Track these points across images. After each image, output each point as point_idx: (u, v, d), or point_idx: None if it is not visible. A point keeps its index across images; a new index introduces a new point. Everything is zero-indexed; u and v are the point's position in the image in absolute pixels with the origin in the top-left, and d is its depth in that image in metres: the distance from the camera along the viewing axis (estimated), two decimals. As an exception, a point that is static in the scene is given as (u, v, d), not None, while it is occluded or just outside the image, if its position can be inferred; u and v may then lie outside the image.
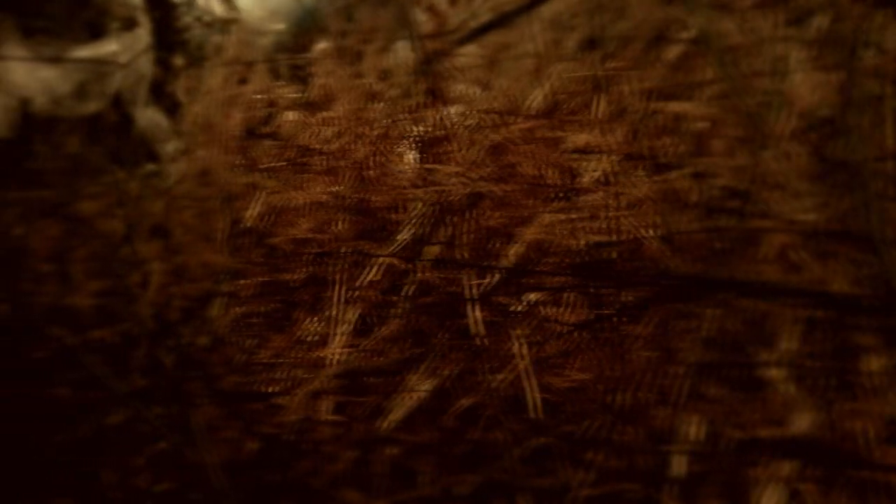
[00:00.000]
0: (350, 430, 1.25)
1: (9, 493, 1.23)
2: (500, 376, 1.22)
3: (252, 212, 1.66)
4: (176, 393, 1.24)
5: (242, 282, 1.53)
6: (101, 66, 2.79)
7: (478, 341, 1.27)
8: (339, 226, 1.51)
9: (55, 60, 2.78)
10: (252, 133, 1.82)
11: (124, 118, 2.84)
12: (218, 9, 2.95)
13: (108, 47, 2.76)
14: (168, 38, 2.88)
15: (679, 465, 1.14)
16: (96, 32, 2.74)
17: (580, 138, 1.27)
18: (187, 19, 2.97)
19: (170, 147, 2.91)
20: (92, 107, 2.86)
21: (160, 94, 2.83)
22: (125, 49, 2.76)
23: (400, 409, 1.25)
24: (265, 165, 1.81)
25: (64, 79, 2.80)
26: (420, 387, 1.26)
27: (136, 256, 1.58)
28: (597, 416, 1.20)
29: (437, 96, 1.60)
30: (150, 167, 2.91)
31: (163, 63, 2.85)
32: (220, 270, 1.56)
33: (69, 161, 2.79)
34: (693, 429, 1.14)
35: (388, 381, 1.32)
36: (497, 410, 1.25)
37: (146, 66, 2.83)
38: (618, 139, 1.20)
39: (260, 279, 1.57)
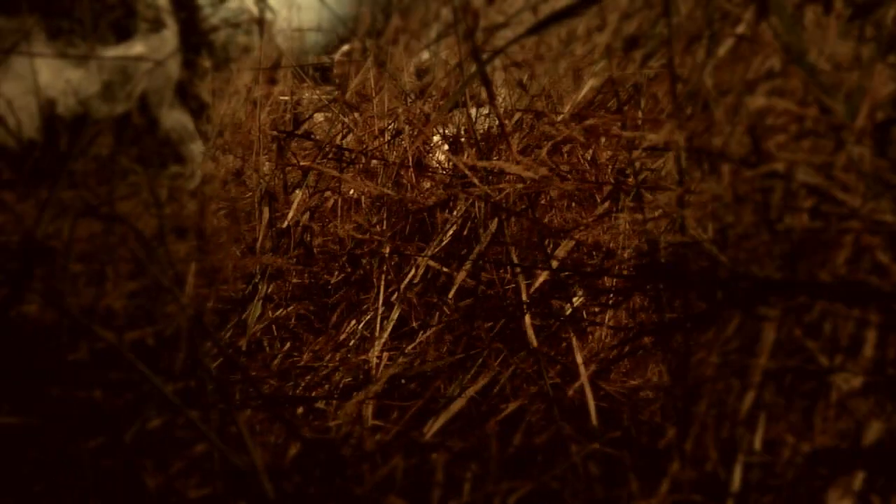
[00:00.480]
0: (394, 435, 1.21)
1: (46, 499, 1.20)
2: (551, 381, 1.18)
3: (289, 212, 1.63)
4: (216, 396, 1.20)
5: (280, 283, 1.50)
6: (128, 68, 2.78)
7: (529, 345, 1.23)
8: (380, 226, 1.47)
9: (82, 61, 2.78)
10: (284, 133, 1.80)
11: (150, 120, 2.83)
12: (246, 10, 2.93)
13: (135, 48, 2.74)
14: (194, 39, 2.86)
15: (743, 478, 1.09)
16: (123, 34, 2.73)
17: (641, 134, 1.23)
18: (214, 20, 2.95)
19: (196, 148, 2.90)
20: (118, 108, 2.85)
21: (186, 95, 2.81)
22: (152, 50, 2.75)
23: (445, 414, 1.22)
24: (301, 165, 1.78)
25: (90, 80, 2.79)
26: (465, 391, 1.22)
27: (169, 258, 1.56)
28: (657, 424, 1.15)
29: (476, 95, 1.57)
30: (176, 168, 2.90)
31: (189, 64, 2.84)
32: (257, 272, 1.53)
33: (96, 162, 2.79)
34: (758, 439, 1.09)
35: (433, 386, 1.28)
36: (545, 416, 1.20)
37: (173, 67, 2.81)
38: (683, 135, 1.16)
39: (297, 281, 1.53)
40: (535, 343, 1.20)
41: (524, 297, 1.21)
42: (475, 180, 1.28)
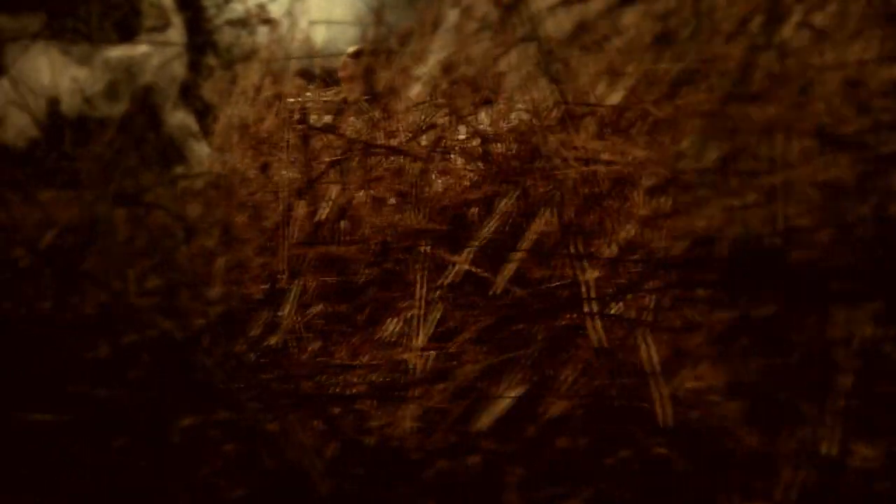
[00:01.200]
0: (434, 437, 1.19)
1: (73, 500, 1.19)
2: (616, 382, 1.15)
3: (312, 210, 1.62)
4: (250, 394, 1.19)
5: (309, 281, 1.48)
6: (133, 67, 2.77)
7: (583, 343, 1.21)
8: (414, 223, 1.46)
9: (86, 60, 2.76)
10: (311, 129, 1.79)
11: (154, 119, 2.81)
12: (249, 11, 2.93)
13: (139, 48, 2.73)
14: (199, 39, 2.86)
15: (816, 483, 1.06)
16: (127, 33, 2.72)
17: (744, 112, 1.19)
18: (217, 21, 2.95)
19: (200, 148, 2.89)
20: (122, 107, 2.84)
21: (190, 95, 2.80)
22: (156, 50, 2.74)
23: (487, 415, 1.20)
24: (319, 163, 1.77)
25: (94, 79, 2.78)
26: (508, 391, 1.20)
27: (193, 256, 1.54)
28: (729, 427, 1.12)
29: (499, 91, 1.57)
30: (181, 168, 2.89)
31: (193, 64, 2.83)
32: (283, 268, 1.52)
33: (99, 161, 2.77)
34: (835, 445, 1.06)
35: (475, 386, 1.26)
36: (600, 417, 1.18)
37: (177, 67, 2.81)
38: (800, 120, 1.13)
39: (326, 279, 1.52)
40: (604, 342, 1.17)
41: (591, 292, 1.18)
42: (573, 163, 1.25)
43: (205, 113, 2.76)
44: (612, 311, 1.21)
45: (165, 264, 1.35)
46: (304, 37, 2.65)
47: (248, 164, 2.37)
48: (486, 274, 1.34)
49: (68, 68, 2.83)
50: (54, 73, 2.85)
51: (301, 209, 1.47)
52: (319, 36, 2.55)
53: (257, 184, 1.81)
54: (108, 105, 2.82)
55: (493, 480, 1.15)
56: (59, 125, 2.75)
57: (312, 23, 2.55)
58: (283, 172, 1.74)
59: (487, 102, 1.51)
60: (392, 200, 1.54)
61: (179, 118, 2.80)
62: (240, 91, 2.56)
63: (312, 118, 2.76)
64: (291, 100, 2.63)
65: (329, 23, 2.43)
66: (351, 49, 3.13)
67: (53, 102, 2.84)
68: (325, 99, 2.65)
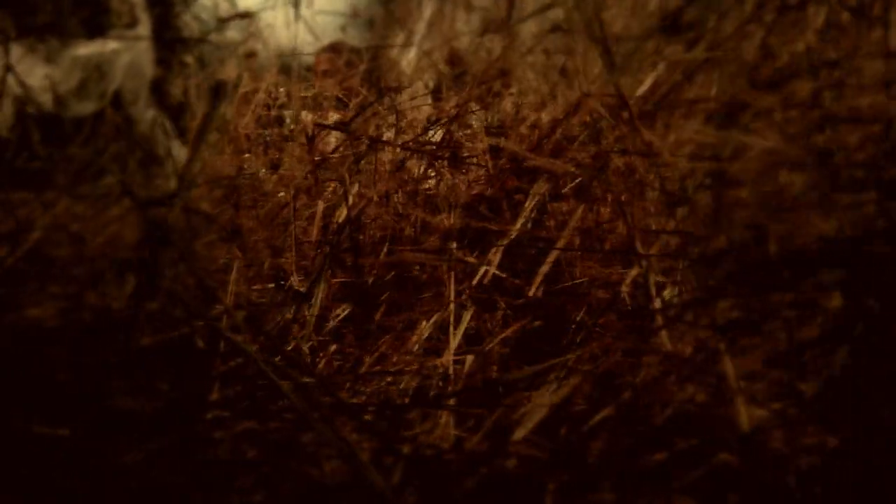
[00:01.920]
0: (472, 445, 1.16)
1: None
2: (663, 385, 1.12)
3: (325, 209, 1.59)
4: (280, 403, 1.15)
5: (332, 282, 1.45)
6: (102, 65, 2.71)
7: (634, 345, 1.18)
8: (437, 222, 1.43)
9: (54, 58, 2.70)
10: (319, 127, 1.77)
11: (126, 118, 2.76)
12: (221, 6, 2.88)
13: (109, 45, 2.68)
14: (170, 36, 2.80)
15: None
16: (96, 30, 2.66)
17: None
18: (187, 17, 2.90)
19: (174, 148, 2.85)
20: (92, 107, 2.78)
21: (162, 93, 2.75)
22: (126, 47, 2.69)
23: (527, 422, 1.17)
24: (325, 161, 1.75)
25: (63, 78, 2.72)
26: (548, 398, 1.18)
27: (204, 258, 1.52)
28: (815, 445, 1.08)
29: (506, 84, 1.56)
30: (154, 169, 2.84)
31: (164, 62, 2.78)
32: (292, 271, 1.49)
33: (70, 162, 2.72)
34: None
35: (512, 392, 1.24)
36: (643, 425, 1.16)
37: (147, 65, 2.76)
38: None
39: (344, 280, 1.49)
40: (668, 345, 1.13)
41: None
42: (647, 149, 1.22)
43: (177, 111, 2.71)
44: (685, 316, 1.18)
45: (178, 265, 1.33)
46: (285, 30, 2.62)
47: (228, 161, 2.35)
48: (505, 277, 1.33)
49: (35, 67, 2.77)
50: (22, 72, 2.78)
51: (319, 208, 1.44)
52: (300, 29, 2.53)
53: (266, 183, 1.78)
54: (77, 104, 2.77)
55: (533, 489, 1.13)
56: (27, 125, 2.69)
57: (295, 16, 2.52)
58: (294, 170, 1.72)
59: (497, 95, 1.51)
60: (400, 199, 1.52)
61: (151, 116, 2.75)
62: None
63: (287, 114, 2.74)
64: (263, 95, 2.61)
65: (318, 13, 2.41)
66: (325, 43, 3.11)
67: (20, 102, 2.77)
68: (302, 95, 2.63)
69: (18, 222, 1.91)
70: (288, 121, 2.60)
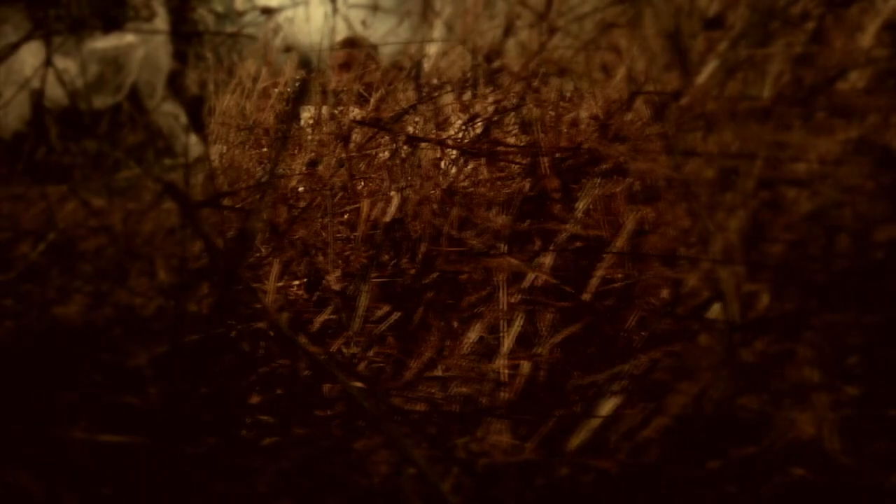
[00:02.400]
0: (526, 453, 1.14)
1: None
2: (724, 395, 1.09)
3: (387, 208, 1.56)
4: (327, 410, 1.13)
5: (371, 282, 1.42)
6: (119, 59, 2.71)
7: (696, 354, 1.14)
8: (491, 223, 1.40)
9: (69, 52, 2.69)
10: (356, 123, 1.76)
11: (141, 111, 2.76)
12: (239, 1, 2.88)
13: (125, 39, 2.67)
14: (186, 29, 2.80)
15: None
16: (112, 24, 2.65)
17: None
18: (203, 11, 2.89)
19: (189, 141, 2.85)
20: (108, 100, 2.78)
21: (178, 86, 2.75)
22: (142, 41, 2.68)
23: (582, 431, 1.15)
24: (359, 158, 1.74)
25: (80, 71, 2.71)
26: (605, 405, 1.16)
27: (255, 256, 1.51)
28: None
29: (545, 80, 1.53)
30: (168, 161, 2.84)
31: (180, 54, 2.78)
32: (331, 271, 1.47)
33: (85, 155, 2.72)
34: None
35: (568, 399, 1.21)
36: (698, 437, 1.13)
37: (163, 58, 2.75)
38: None
39: (386, 281, 1.46)
40: (742, 355, 1.10)
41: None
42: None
43: (194, 104, 2.71)
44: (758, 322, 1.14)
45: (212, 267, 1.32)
46: (304, 25, 2.62)
47: (247, 156, 2.34)
48: (557, 280, 1.30)
49: (54, 61, 2.76)
50: (37, 65, 2.77)
51: (364, 207, 1.42)
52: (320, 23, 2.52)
53: (304, 181, 1.76)
54: (94, 97, 2.76)
55: (588, 499, 1.11)
56: (43, 119, 2.69)
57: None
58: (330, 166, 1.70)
59: (536, 91, 1.49)
60: (437, 197, 1.50)
61: (167, 110, 2.75)
62: (236, 82, 2.52)
63: (304, 110, 2.73)
64: (278, 90, 2.60)
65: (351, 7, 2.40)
66: (341, 37, 3.11)
67: (37, 95, 2.77)
68: (321, 90, 2.62)
69: (42, 216, 1.90)
70: (307, 115, 2.59)
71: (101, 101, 2.75)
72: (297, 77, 2.66)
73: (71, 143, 2.80)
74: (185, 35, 2.79)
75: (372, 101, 2.33)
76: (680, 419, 1.10)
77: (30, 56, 2.67)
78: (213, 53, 2.74)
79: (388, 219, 1.41)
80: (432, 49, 2.36)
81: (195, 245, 1.26)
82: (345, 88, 2.60)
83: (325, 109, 2.52)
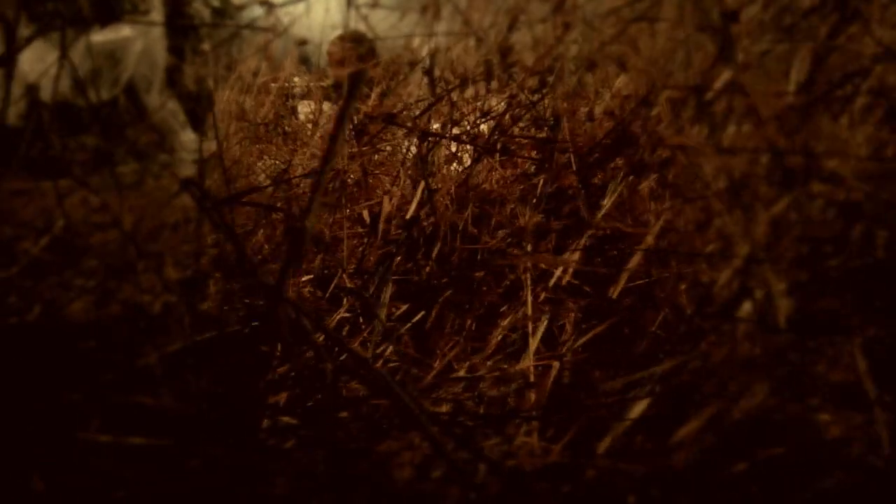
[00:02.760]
0: (554, 458, 1.11)
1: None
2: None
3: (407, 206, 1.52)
4: (351, 413, 1.10)
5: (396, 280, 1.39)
6: (115, 52, 2.68)
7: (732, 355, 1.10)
8: (517, 217, 1.37)
9: (65, 46, 2.66)
10: (369, 119, 1.74)
11: (139, 107, 2.73)
12: (234, -6, 2.85)
13: (121, 32, 2.64)
14: (184, 23, 2.77)
15: None
16: (108, 17, 2.62)
17: None
18: (199, 4, 2.86)
19: (186, 137, 2.82)
20: (104, 94, 2.75)
21: (175, 82, 2.72)
22: (138, 34, 2.65)
23: (611, 434, 1.12)
24: (368, 153, 1.72)
25: (76, 65, 2.68)
26: (635, 407, 1.13)
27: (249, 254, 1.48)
28: None
29: (559, 75, 1.51)
30: (165, 157, 2.82)
31: (176, 49, 2.74)
32: (344, 267, 1.45)
33: (81, 150, 2.69)
34: None
35: (597, 400, 1.18)
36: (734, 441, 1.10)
37: (160, 53, 2.72)
38: None
39: (404, 279, 1.43)
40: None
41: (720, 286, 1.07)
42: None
43: (189, 99, 2.68)
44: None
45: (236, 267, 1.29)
46: (304, 19, 2.60)
47: (246, 152, 2.32)
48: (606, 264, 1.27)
49: (48, 54, 2.73)
50: (33, 59, 2.74)
51: (385, 204, 1.39)
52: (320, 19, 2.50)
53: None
54: (90, 91, 2.73)
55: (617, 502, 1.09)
56: (38, 113, 2.66)
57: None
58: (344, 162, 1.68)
59: (550, 86, 1.47)
60: (453, 193, 1.47)
61: (164, 105, 2.72)
62: (236, 77, 2.50)
63: (301, 105, 2.71)
64: (275, 85, 2.59)
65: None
66: (337, 33, 3.08)
67: (33, 89, 2.74)
68: (315, 84, 2.60)
69: (41, 212, 1.88)
70: (307, 109, 2.57)
71: (96, 96, 2.72)
72: (293, 73, 2.64)
73: (68, 138, 2.77)
74: (181, 29, 2.76)
75: (373, 95, 2.32)
76: (712, 421, 1.08)
77: (24, 50, 2.64)
78: (211, 48, 2.72)
79: (408, 215, 1.39)
80: (437, 44, 2.35)
81: (209, 241, 1.24)
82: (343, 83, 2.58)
83: (326, 105, 2.50)
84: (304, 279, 1.53)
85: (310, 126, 2.49)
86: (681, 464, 1.06)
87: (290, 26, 2.67)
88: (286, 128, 2.38)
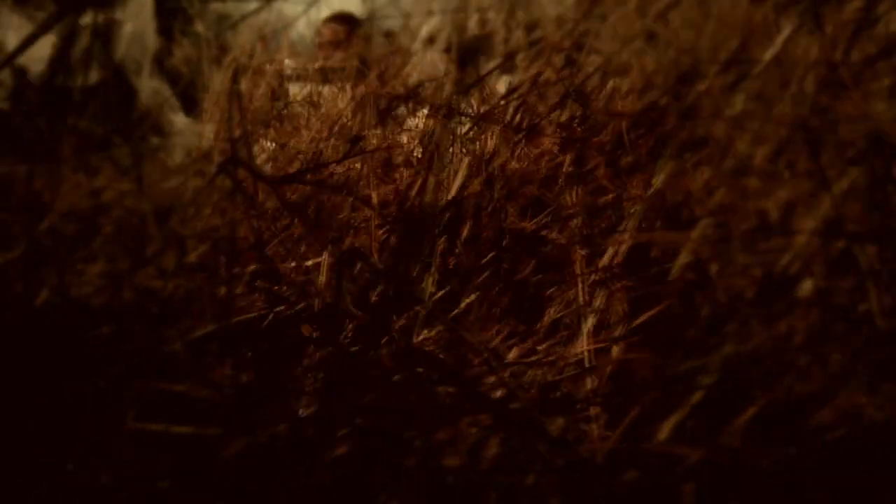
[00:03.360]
0: (614, 444, 1.08)
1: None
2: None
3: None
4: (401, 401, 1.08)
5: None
6: (104, 34, 2.65)
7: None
8: (566, 194, 1.34)
9: (54, 28, 2.62)
10: (394, 99, 1.72)
11: (128, 89, 2.70)
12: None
13: (111, 14, 2.61)
14: (169, 4, 2.74)
15: None
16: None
17: None
18: (191, -14, 2.83)
19: (177, 120, 2.80)
20: (94, 77, 2.72)
21: (164, 64, 2.69)
22: (129, 16, 2.62)
23: (670, 421, 1.09)
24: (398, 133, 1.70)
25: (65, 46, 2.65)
26: (695, 394, 1.10)
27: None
28: None
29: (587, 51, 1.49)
30: (155, 141, 2.80)
31: (167, 31, 2.71)
32: (374, 253, 1.42)
33: (71, 133, 2.66)
34: None
35: (657, 385, 1.15)
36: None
37: (150, 34, 2.69)
38: None
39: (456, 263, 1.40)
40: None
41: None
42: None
43: (180, 81, 2.66)
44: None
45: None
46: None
47: (243, 136, 2.30)
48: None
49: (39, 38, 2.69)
50: (18, 40, 2.70)
51: (430, 183, 1.36)
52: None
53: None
54: (80, 74, 2.70)
55: (675, 491, 1.07)
56: (26, 95, 2.62)
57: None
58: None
59: (575, 63, 1.46)
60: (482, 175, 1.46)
61: (154, 87, 2.70)
62: (230, 59, 2.48)
63: (294, 88, 2.70)
64: (270, 67, 2.57)
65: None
66: (326, 14, 3.07)
67: (21, 71, 2.71)
68: (317, 67, 2.59)
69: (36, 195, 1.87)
70: (302, 91, 2.57)
71: (86, 78, 2.69)
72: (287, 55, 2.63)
73: (57, 120, 2.74)
74: (170, 10, 2.74)
75: (372, 76, 2.30)
76: (771, 407, 1.07)
77: (11, 31, 2.61)
78: (204, 29, 2.69)
79: (450, 196, 1.38)
80: (431, 22, 2.33)
81: (243, 223, 1.24)
82: (341, 66, 2.57)
83: (326, 89, 2.49)
84: (316, 263, 1.51)
85: (305, 109, 2.47)
86: (738, 449, 1.05)
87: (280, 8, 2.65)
88: (284, 111, 2.37)
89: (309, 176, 1.48)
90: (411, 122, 1.96)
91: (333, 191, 1.40)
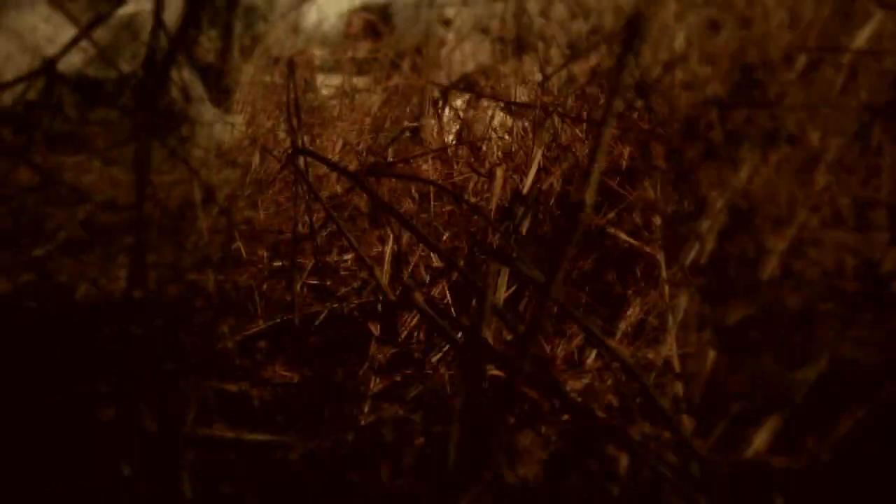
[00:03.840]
0: (705, 454, 1.03)
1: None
2: None
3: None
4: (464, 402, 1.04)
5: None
6: (134, 26, 2.64)
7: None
8: (642, 195, 1.30)
9: (83, 19, 2.61)
10: (446, 87, 1.70)
11: (158, 80, 2.69)
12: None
13: (141, 6, 2.60)
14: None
15: None
16: (126, -11, 2.56)
17: None
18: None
19: (205, 110, 2.79)
20: (124, 68, 2.71)
21: (192, 54, 2.68)
22: (159, 8, 2.59)
23: (766, 430, 1.05)
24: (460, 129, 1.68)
25: (94, 38, 2.64)
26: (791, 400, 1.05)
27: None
28: None
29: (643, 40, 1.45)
30: (185, 131, 2.79)
31: (195, 22, 2.69)
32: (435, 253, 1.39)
33: (100, 124, 2.65)
34: None
35: (750, 391, 1.09)
36: None
37: (180, 25, 2.67)
38: None
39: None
40: None
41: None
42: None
43: (209, 72, 2.64)
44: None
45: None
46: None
47: (273, 128, 2.29)
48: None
49: (65, 27, 2.69)
50: (51, 32, 2.70)
51: (498, 178, 1.33)
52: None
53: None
54: (108, 65, 2.69)
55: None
56: (56, 87, 2.62)
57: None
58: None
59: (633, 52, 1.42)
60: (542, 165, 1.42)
61: (184, 78, 2.68)
62: (262, 51, 2.47)
63: (320, 79, 2.68)
64: (301, 59, 2.55)
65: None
66: (357, 5, 3.05)
67: (51, 63, 2.69)
68: (349, 58, 2.57)
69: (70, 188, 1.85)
70: (328, 83, 2.54)
71: (116, 70, 2.68)
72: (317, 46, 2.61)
73: (87, 111, 2.73)
74: (200, 1, 2.72)
75: (405, 67, 2.29)
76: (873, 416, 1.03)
77: (42, 22, 2.59)
78: (236, 21, 2.68)
79: (525, 190, 1.35)
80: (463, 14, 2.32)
81: (305, 220, 1.22)
82: (369, 57, 2.55)
83: (358, 80, 2.47)
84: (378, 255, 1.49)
85: (335, 101, 2.46)
86: (829, 461, 1.01)
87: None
88: (315, 103, 2.34)
89: (400, 166, 1.45)
90: (451, 114, 1.94)
91: (440, 188, 1.36)
